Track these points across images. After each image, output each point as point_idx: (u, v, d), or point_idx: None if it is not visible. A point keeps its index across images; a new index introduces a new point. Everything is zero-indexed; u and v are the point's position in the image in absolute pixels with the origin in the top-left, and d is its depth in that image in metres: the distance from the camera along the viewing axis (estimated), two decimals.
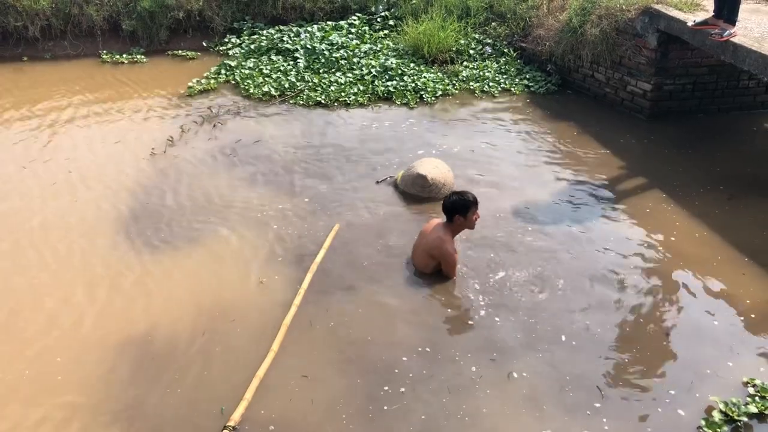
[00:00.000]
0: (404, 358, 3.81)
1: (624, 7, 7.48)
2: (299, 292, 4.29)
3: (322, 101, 7.78)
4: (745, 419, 3.38)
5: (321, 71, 8.54)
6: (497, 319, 4.17)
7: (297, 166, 6.21)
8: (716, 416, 3.39)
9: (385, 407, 3.47)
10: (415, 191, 5.58)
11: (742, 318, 4.25)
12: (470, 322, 4.16)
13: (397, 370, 3.71)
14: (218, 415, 3.38)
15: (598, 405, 3.53)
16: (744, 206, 5.62)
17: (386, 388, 3.59)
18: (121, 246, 4.90)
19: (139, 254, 4.80)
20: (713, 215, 5.43)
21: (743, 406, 3.43)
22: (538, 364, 3.80)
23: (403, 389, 3.58)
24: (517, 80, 8.44)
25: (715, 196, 5.76)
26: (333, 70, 8.57)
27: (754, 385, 3.61)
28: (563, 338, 4.02)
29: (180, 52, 9.62)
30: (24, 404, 3.47)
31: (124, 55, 9.43)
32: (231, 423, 3.28)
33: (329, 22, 9.79)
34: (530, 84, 8.37)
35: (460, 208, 4.42)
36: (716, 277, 4.65)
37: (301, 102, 7.79)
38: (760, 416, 3.43)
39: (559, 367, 3.78)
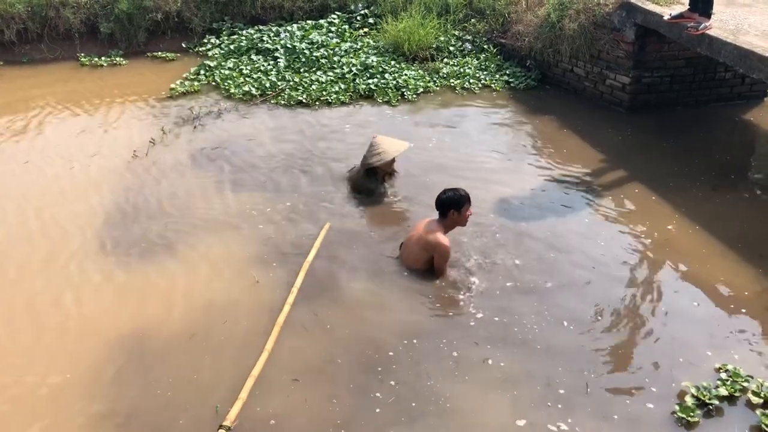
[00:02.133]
0: (390, 353, 3.86)
1: (601, 1, 7.53)
2: (292, 291, 4.32)
3: (304, 100, 7.77)
4: (716, 402, 3.47)
5: (302, 70, 8.53)
6: (481, 315, 4.22)
7: (280, 166, 6.21)
8: (689, 401, 3.48)
9: (378, 396, 3.53)
10: (364, 159, 5.55)
11: (723, 307, 4.33)
12: (457, 316, 4.22)
13: (387, 364, 3.76)
14: (213, 415, 3.38)
15: (573, 392, 3.59)
16: (726, 197, 5.71)
17: (379, 378, 3.66)
18: (108, 250, 4.89)
19: (126, 258, 4.79)
20: (696, 206, 5.51)
21: (714, 390, 3.52)
22: (517, 353, 3.87)
23: (392, 381, 3.64)
24: (497, 76, 8.46)
25: (697, 187, 5.83)
26: (314, 69, 8.56)
27: (726, 371, 3.69)
28: (544, 327, 4.09)
29: (159, 53, 9.57)
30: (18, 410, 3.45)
31: (103, 58, 9.36)
32: (227, 423, 3.29)
33: (309, 21, 9.77)
34: (510, 80, 8.40)
35: (454, 204, 4.47)
36: (700, 267, 4.73)
37: (283, 101, 7.77)
38: (730, 399, 3.52)
39: (539, 357, 3.84)
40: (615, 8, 7.34)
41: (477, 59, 8.88)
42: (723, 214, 5.40)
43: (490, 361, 3.80)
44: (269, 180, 5.94)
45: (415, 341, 3.96)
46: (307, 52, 8.85)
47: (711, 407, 3.46)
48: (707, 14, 6.26)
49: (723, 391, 3.53)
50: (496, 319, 4.17)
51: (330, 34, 9.40)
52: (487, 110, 7.66)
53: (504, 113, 7.59)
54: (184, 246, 4.93)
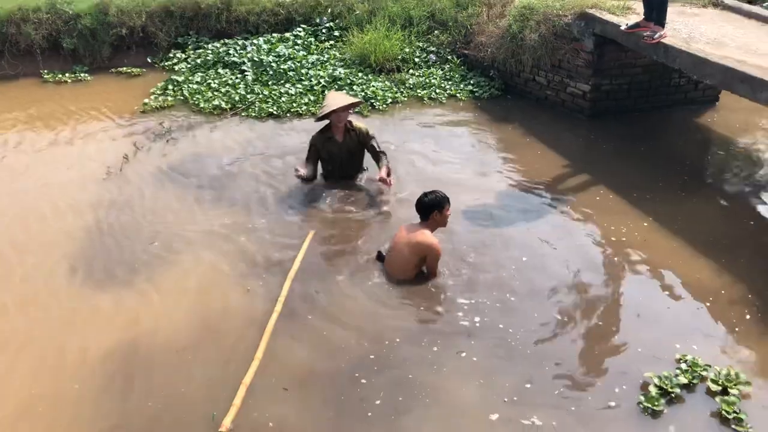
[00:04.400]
0: (372, 356, 4.00)
1: (560, 12, 7.77)
2: (279, 301, 4.42)
3: (275, 112, 7.87)
4: (677, 390, 3.67)
5: (270, 83, 8.62)
6: (458, 314, 4.41)
7: (255, 178, 6.29)
8: (653, 390, 3.66)
9: (367, 395, 3.70)
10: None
11: (687, 302, 4.56)
12: (437, 315, 4.43)
13: (373, 366, 3.92)
14: (209, 423, 3.46)
15: (543, 387, 3.78)
16: (686, 197, 5.98)
17: (364, 381, 3.80)
18: (89, 269, 4.89)
19: (109, 276, 4.80)
20: (659, 207, 5.74)
21: (674, 378, 3.73)
22: (492, 351, 4.06)
23: (379, 380, 3.80)
24: (462, 86, 8.67)
25: (659, 188, 6.09)
26: (282, 81, 8.66)
27: (685, 361, 3.90)
28: (516, 326, 4.27)
29: (124, 69, 9.55)
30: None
31: (67, 74, 9.31)
32: (222, 429, 3.37)
33: (275, 35, 9.86)
34: (475, 89, 8.61)
35: (435, 205, 4.67)
36: (662, 265, 4.95)
37: (254, 114, 7.86)
38: (688, 386, 3.75)
39: (511, 354, 4.04)
40: (574, 19, 7.60)
41: (442, 70, 9.08)
42: (685, 214, 5.65)
43: (463, 354, 4.02)
44: (248, 192, 6.02)
45: (397, 340, 4.13)
46: (274, 65, 8.95)
47: (673, 395, 3.67)
48: (661, 24, 6.54)
49: (683, 379, 3.75)
50: (472, 318, 4.34)
51: (296, 47, 9.52)
52: (453, 119, 7.85)
53: (470, 122, 7.78)
54: (169, 260, 4.98)
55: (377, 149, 5.93)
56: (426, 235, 4.66)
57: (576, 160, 6.73)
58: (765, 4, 9.39)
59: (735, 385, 3.73)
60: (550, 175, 6.40)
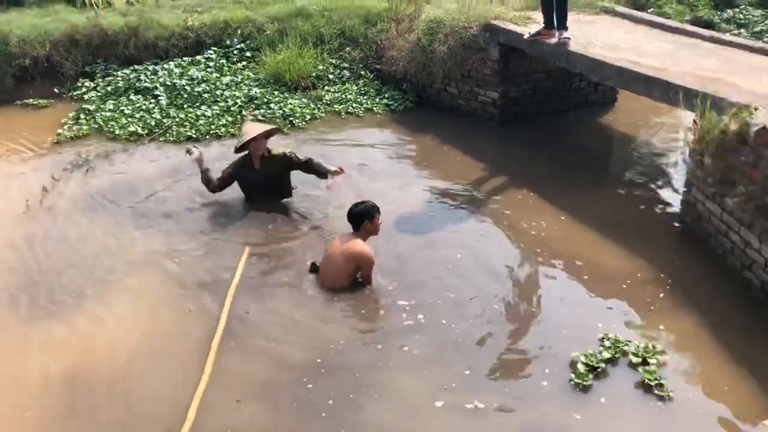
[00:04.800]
0: (318, 361, 4.14)
1: (466, 24, 8.17)
2: (221, 317, 4.46)
3: (193, 135, 7.85)
4: (603, 365, 4.00)
5: (185, 106, 8.58)
6: (394, 313, 4.62)
7: (185, 200, 6.27)
8: (581, 367, 3.95)
9: (319, 399, 3.82)
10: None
11: (605, 286, 4.92)
12: (375, 315, 4.66)
13: (321, 370, 4.05)
14: None
15: (480, 374, 4.04)
16: (594, 191, 6.42)
17: (312, 386, 3.93)
18: (22, 303, 4.77)
19: (42, 310, 4.70)
20: (571, 201, 6.13)
21: (599, 355, 4.05)
22: (428, 344, 4.30)
23: (323, 382, 3.94)
24: (377, 100, 8.91)
25: (568, 186, 6.49)
26: (197, 104, 8.63)
27: (608, 339, 4.24)
28: (453, 320, 4.52)
29: (30, 100, 9.24)
30: None
31: None
32: None
33: (186, 58, 9.81)
34: (390, 102, 8.88)
35: (366, 214, 4.87)
36: (581, 253, 5.32)
37: (172, 138, 7.81)
38: (612, 361, 4.08)
39: (450, 344, 4.29)
40: (479, 30, 8.00)
41: (356, 85, 9.30)
42: (597, 206, 6.08)
43: (406, 348, 4.24)
44: (179, 214, 6.00)
45: (342, 343, 4.29)
46: (188, 88, 8.91)
47: (599, 370, 3.98)
48: (563, 27, 7.00)
49: (606, 354, 4.08)
50: (411, 316, 4.56)
51: (209, 70, 9.51)
52: (372, 132, 8.08)
53: (388, 134, 8.03)
54: (111, 285, 4.94)
55: (303, 160, 5.99)
56: (358, 244, 4.83)
57: (492, 164, 7.07)
58: (650, 10, 10.18)
59: (653, 355, 4.08)
60: (470, 180, 6.71)
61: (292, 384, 3.94)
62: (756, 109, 4.99)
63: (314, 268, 5.05)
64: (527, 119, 8.18)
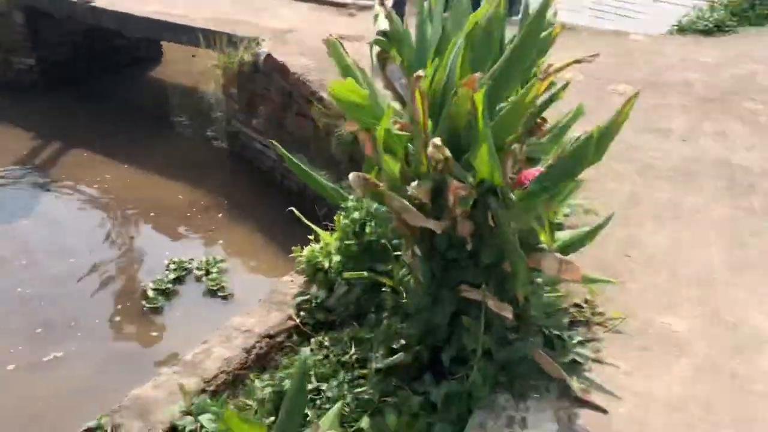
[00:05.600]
0: None
1: None
2: None
3: None
4: (170, 286, 4.38)
5: None
6: None
7: None
8: (150, 294, 4.23)
9: None
10: None
11: (173, 218, 5.30)
12: None
13: None
14: None
15: (60, 328, 4.06)
16: (157, 139, 6.71)
17: None
18: None
19: None
20: (134, 151, 6.32)
21: (166, 278, 4.42)
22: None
23: None
24: None
25: (130, 138, 6.61)
26: None
27: (174, 263, 4.62)
28: (38, 287, 4.37)
29: None
30: None
31: None
32: None
33: None
34: None
35: None
36: (152, 195, 5.64)
37: None
38: (179, 279, 4.52)
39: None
40: None
41: None
42: (161, 151, 6.39)
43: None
44: None
45: None
46: None
47: (168, 290, 4.33)
48: None
49: (172, 276, 4.46)
50: None
51: None
52: None
53: None
54: None
55: None
56: None
57: (43, 133, 6.74)
58: None
59: (214, 266, 4.57)
60: (24, 155, 6.32)
61: None
62: (263, 40, 5.71)
63: None
64: (75, 83, 7.91)
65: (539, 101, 2.06)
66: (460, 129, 1.98)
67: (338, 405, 1.94)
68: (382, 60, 3.06)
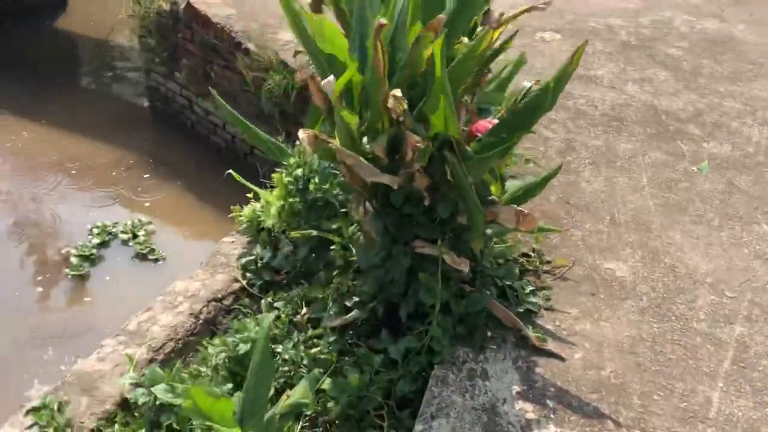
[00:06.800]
0: None
1: None
2: None
3: None
4: (95, 251, 4.17)
5: None
6: None
7: None
8: (74, 260, 4.01)
9: None
10: None
11: (94, 180, 4.98)
12: None
13: None
14: None
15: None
16: (70, 95, 6.26)
17: None
18: None
19: None
20: (46, 107, 5.88)
21: (89, 243, 4.20)
22: None
23: None
24: None
25: (40, 93, 6.12)
26: None
27: (97, 227, 4.38)
28: None
29: None
30: None
31: None
32: None
33: None
34: None
35: None
36: (71, 156, 5.22)
37: None
38: (104, 244, 4.29)
39: None
40: None
41: None
42: (72, 110, 5.89)
43: None
44: None
45: None
46: None
47: (93, 256, 4.12)
48: None
49: (97, 240, 4.24)
50: None
51: None
52: None
53: None
54: None
55: None
56: None
57: None
58: None
59: (141, 228, 4.37)
60: None
61: None
62: None
63: None
64: None
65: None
66: (415, 79, 1.93)
67: (312, 374, 1.89)
68: (317, 6, 2.94)
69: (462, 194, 1.91)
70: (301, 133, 1.80)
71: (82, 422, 1.98)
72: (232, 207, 3.01)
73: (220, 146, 5.30)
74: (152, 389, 1.99)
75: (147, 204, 4.77)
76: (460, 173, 1.86)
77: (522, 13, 1.95)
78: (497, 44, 2.07)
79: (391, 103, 1.71)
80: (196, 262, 4.06)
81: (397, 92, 1.73)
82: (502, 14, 1.95)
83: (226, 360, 2.16)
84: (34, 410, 1.97)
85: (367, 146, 1.90)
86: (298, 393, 1.76)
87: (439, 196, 1.99)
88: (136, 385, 2.07)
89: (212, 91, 2.67)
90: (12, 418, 1.99)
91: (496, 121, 2.01)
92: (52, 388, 2.11)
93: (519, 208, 1.94)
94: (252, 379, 1.59)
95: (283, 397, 1.75)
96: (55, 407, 2.00)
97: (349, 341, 2.25)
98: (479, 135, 2.01)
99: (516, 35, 2.17)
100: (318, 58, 2.06)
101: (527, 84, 2.02)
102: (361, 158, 1.90)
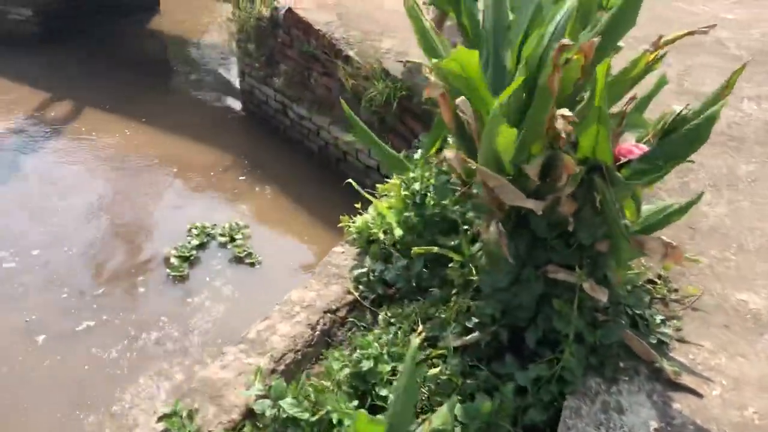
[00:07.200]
0: None
1: None
2: None
3: None
4: (194, 252, 4.25)
5: None
6: None
7: None
8: (174, 261, 4.12)
9: None
10: None
11: (190, 182, 5.12)
12: None
13: None
14: None
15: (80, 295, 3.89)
16: (165, 96, 6.52)
17: None
18: None
19: None
20: (145, 108, 6.08)
21: (188, 244, 4.29)
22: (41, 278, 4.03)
23: None
24: None
25: (137, 93, 6.36)
26: None
27: (195, 228, 4.46)
28: (65, 254, 4.24)
29: None
30: None
31: None
32: None
33: None
34: None
35: None
36: (170, 157, 5.40)
37: None
38: (203, 246, 4.37)
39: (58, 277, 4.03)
40: None
41: None
42: (173, 110, 6.13)
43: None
44: None
45: None
46: None
47: (192, 257, 4.21)
48: None
49: (196, 242, 4.32)
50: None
51: None
52: None
53: None
54: None
55: None
56: None
57: (50, 87, 6.46)
58: None
59: (239, 231, 4.43)
60: (32, 112, 6.08)
61: None
62: None
63: None
64: (75, 34, 7.59)
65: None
66: (562, 100, 1.86)
67: (452, 400, 1.85)
68: (440, 19, 2.91)
69: (608, 222, 1.83)
70: (449, 155, 1.76)
71: (210, 431, 2.00)
72: (341, 216, 3.01)
73: (313, 151, 5.34)
74: (279, 402, 1.99)
75: (243, 206, 4.84)
76: (610, 200, 1.79)
77: (682, 36, 1.86)
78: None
79: (559, 123, 1.65)
80: (291, 267, 4.14)
81: (566, 111, 1.67)
82: (660, 37, 1.87)
83: (348, 376, 2.15)
84: (166, 417, 2.00)
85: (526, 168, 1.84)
86: (440, 419, 1.72)
87: (581, 222, 1.92)
88: (262, 396, 2.08)
89: (341, 102, 2.67)
90: (142, 423, 2.03)
91: (642, 145, 1.92)
92: (180, 394, 2.14)
93: (668, 241, 1.85)
94: (397, 404, 1.56)
95: (425, 424, 1.71)
96: (185, 414, 2.02)
97: (470, 363, 2.20)
98: (623, 159, 1.93)
99: (664, 57, 2.07)
100: (446, 78, 2.01)
101: (677, 108, 1.93)
102: (504, 180, 1.85)
